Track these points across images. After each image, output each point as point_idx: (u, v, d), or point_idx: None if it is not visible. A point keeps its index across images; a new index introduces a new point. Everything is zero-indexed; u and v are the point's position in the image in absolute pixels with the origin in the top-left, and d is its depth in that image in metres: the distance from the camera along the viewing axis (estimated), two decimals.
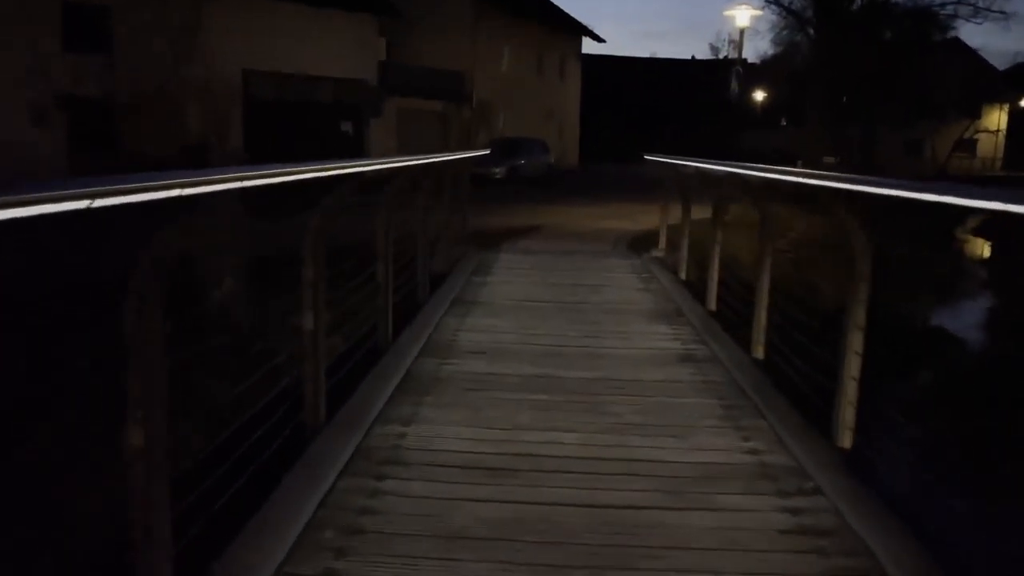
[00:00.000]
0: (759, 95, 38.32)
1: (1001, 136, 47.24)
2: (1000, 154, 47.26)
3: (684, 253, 8.41)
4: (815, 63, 33.56)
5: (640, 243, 11.67)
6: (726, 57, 59.78)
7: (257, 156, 22.50)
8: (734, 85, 24.55)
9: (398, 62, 26.88)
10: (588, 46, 38.87)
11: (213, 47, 21.62)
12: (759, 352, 5.31)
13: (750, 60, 43.50)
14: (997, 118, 47.08)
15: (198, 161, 21.65)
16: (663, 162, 9.77)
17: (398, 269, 6.34)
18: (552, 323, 6.21)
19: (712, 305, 6.87)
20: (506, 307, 6.73)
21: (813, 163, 27.06)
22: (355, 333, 5.52)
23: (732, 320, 6.38)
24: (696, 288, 7.63)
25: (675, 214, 10.76)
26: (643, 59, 52.70)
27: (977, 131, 43.69)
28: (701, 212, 9.15)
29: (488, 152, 24.19)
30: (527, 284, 7.83)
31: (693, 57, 58.69)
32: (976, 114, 44.69)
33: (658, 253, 10.01)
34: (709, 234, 7.77)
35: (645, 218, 16.43)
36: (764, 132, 42.92)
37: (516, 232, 12.75)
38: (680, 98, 45.92)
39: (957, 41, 42.35)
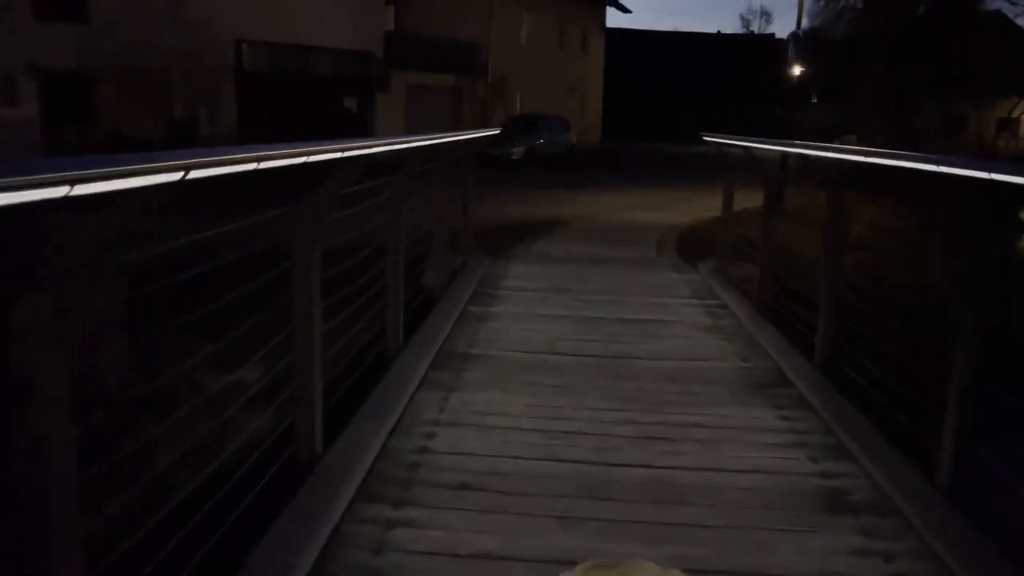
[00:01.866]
0: (796, 70, 35.41)
1: None
2: None
3: (763, 271, 6.02)
4: (868, 32, 30.75)
5: (689, 244, 9.29)
6: (754, 31, 56.55)
7: (251, 135, 20.26)
8: (791, 54, 21.85)
9: (407, 32, 24.37)
10: (612, 18, 36.18)
11: (201, 14, 19.26)
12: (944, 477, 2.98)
13: (778, 36, 40.53)
14: None
15: (185, 140, 19.46)
16: (731, 144, 7.36)
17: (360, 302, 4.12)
18: (588, 401, 3.91)
19: (821, 358, 4.51)
20: (515, 369, 4.44)
21: (867, 141, 24.33)
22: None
23: (860, 388, 4.03)
24: (787, 323, 5.28)
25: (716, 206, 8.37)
26: (669, 33, 49.68)
27: None
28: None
29: (501, 131, 21.71)
30: (547, 319, 5.51)
31: (719, 32, 55.57)
32: (1021, 91, 41.49)
33: (718, 264, 7.62)
34: (793, 238, 5.46)
35: (685, 208, 14.00)
36: (797, 110, 40.06)
37: (533, 228, 10.40)
38: (709, 74, 43.00)
39: (1000, 15, 39.24)
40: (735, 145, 7.24)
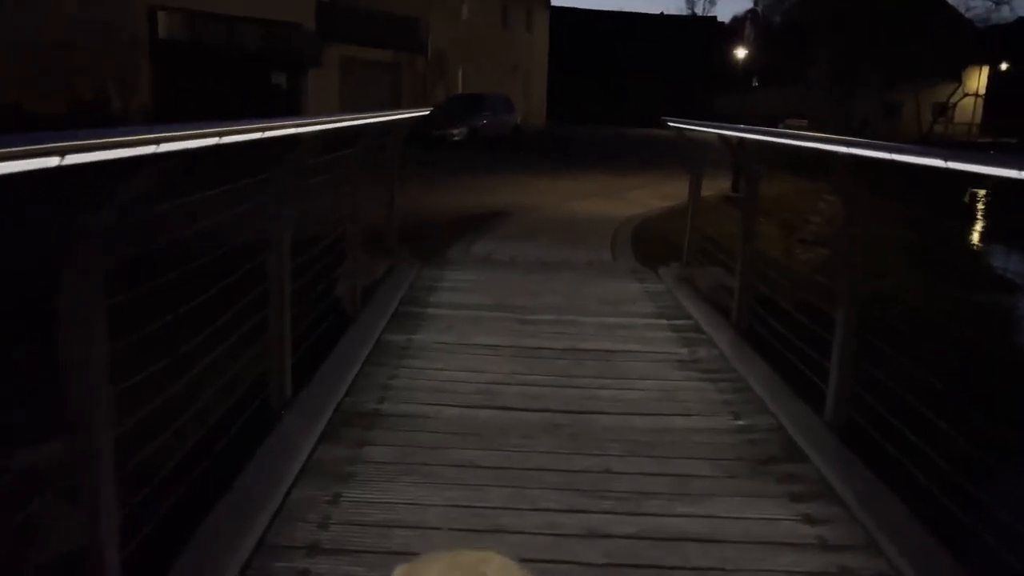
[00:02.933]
0: (741, 52, 34.75)
1: (980, 101, 44.43)
2: (978, 120, 44.46)
3: (743, 283, 4.93)
4: (815, 16, 30.14)
5: (646, 243, 8.21)
6: (697, 13, 56.00)
7: (168, 113, 18.43)
8: (749, 32, 20.93)
9: (341, 4, 22.70)
10: None
11: None
12: None
13: (720, 19, 39.93)
14: (977, 81, 44.21)
15: (94, 118, 17.55)
16: (698, 130, 6.29)
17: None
18: (537, 499, 2.76)
19: (835, 413, 3.44)
20: (435, 438, 3.24)
21: (819, 126, 23.71)
22: None
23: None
24: (774, 353, 4.21)
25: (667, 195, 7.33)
26: (613, 12, 48.63)
27: (965, 94, 40.71)
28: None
29: (442, 110, 20.36)
30: (484, 352, 4.32)
31: (663, 13, 54.83)
32: (958, 77, 41.76)
33: (682, 270, 6.53)
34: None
35: (636, 197, 12.94)
36: (739, 95, 39.58)
37: (474, 222, 9.18)
38: (654, 56, 42.15)
39: (942, 1, 39.28)
40: (705, 131, 6.14)
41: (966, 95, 41.18)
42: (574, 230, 8.99)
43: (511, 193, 12.58)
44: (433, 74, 25.12)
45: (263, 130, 2.73)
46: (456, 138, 20.22)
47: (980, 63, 43.46)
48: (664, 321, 5.16)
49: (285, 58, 21.19)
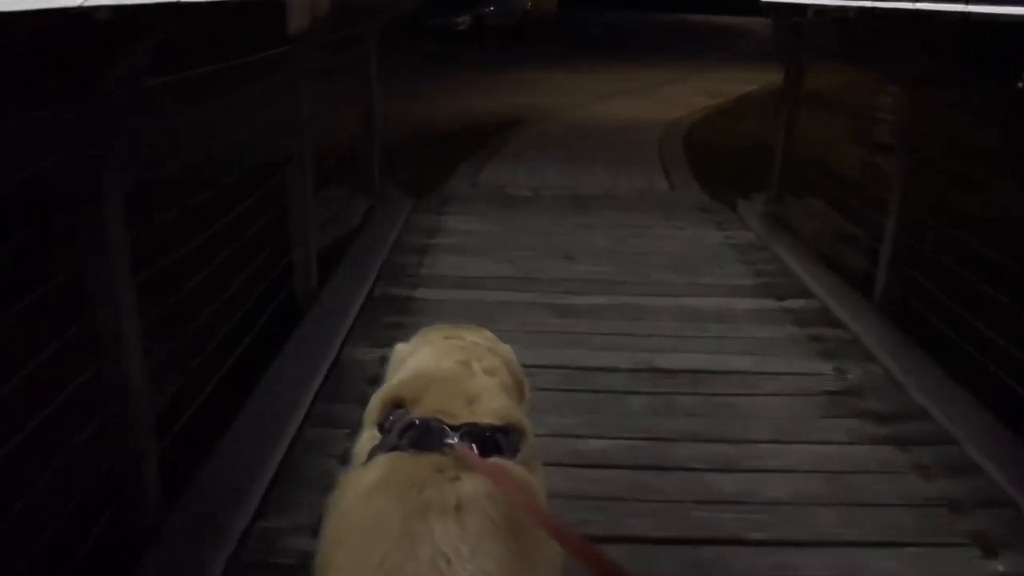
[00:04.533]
0: None
1: None
2: None
3: (893, 244, 3.10)
4: None
5: (703, 153, 6.31)
6: None
7: None
8: None
9: None
10: None
11: None
12: None
13: None
14: None
15: None
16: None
17: None
18: None
19: None
20: None
21: None
22: None
23: None
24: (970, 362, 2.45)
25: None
26: None
27: None
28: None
29: None
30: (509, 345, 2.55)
31: None
32: None
33: (773, 205, 4.66)
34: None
35: (670, 95, 10.81)
36: None
37: (481, 132, 7.24)
38: None
39: None
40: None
41: None
42: (608, 141, 7.05)
43: (525, 93, 10.49)
44: None
45: None
46: (461, 28, 17.72)
47: None
48: (774, 303, 3.36)
49: None
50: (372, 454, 0.91)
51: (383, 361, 1.32)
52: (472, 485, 0.81)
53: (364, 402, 1.08)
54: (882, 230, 3.23)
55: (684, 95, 10.70)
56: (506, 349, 1.21)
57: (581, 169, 5.76)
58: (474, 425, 0.91)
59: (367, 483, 0.86)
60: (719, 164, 6.05)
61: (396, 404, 0.98)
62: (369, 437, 0.96)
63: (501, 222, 4.38)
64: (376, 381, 1.39)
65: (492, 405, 0.97)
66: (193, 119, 2.21)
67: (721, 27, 24.57)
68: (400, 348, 1.23)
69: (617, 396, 2.51)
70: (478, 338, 1.18)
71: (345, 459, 1.09)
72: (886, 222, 3.21)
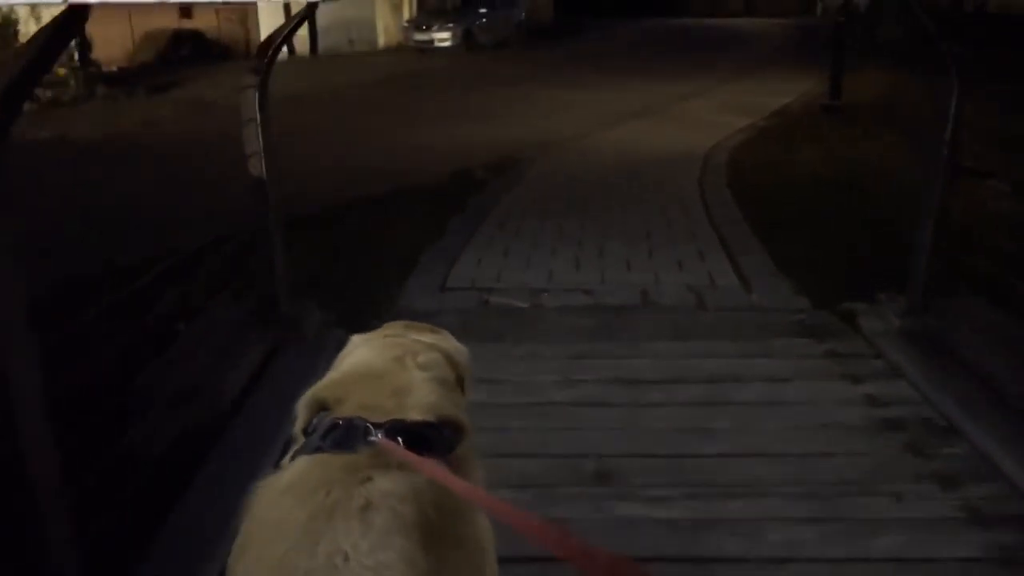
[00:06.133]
0: None
1: None
2: None
3: None
4: None
5: (758, 203, 4.45)
6: None
7: None
8: None
9: None
10: None
11: None
12: None
13: None
14: None
15: None
16: None
17: None
18: None
19: None
20: None
21: None
22: None
23: None
24: None
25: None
26: None
27: None
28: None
29: (424, 8, 16.13)
30: None
31: None
32: None
33: (912, 314, 2.80)
34: None
35: (699, 112, 8.97)
36: None
37: (460, 180, 5.42)
38: None
39: None
40: None
41: None
42: (633, 193, 5.20)
43: (522, 118, 8.67)
44: None
45: None
46: (444, 43, 15.85)
47: None
48: None
49: None
50: (294, 458, 0.86)
51: None
52: (387, 483, 0.78)
53: None
54: None
55: (709, 113, 8.88)
56: (453, 345, 1.13)
57: (602, 250, 3.91)
58: (399, 421, 0.87)
59: (278, 487, 0.83)
60: (794, 224, 4.22)
61: (321, 406, 0.93)
62: (298, 444, 0.91)
63: (481, 378, 2.56)
64: None
65: (423, 400, 0.92)
66: None
67: (719, 30, 22.76)
68: (343, 352, 1.14)
69: None
70: (425, 336, 1.11)
71: None
72: None
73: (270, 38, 2.67)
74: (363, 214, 4.45)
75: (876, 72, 10.69)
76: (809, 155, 6.19)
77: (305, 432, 0.90)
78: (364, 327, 1.24)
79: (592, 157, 6.59)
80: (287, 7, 10.73)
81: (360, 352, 1.09)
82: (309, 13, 2.67)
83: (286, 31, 2.70)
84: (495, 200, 4.94)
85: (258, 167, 2.78)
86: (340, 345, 1.21)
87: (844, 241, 3.92)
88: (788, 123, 8.06)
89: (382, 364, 1.01)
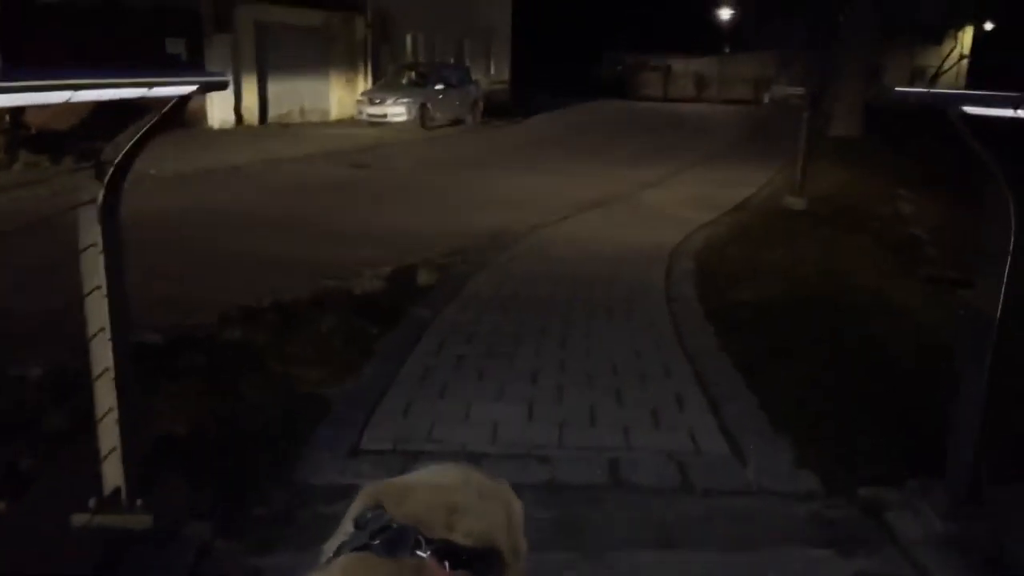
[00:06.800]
0: (726, 14, 30.19)
1: (964, 65, 40.54)
2: (962, 83, 40.56)
3: None
4: None
5: (741, 328, 3.80)
6: None
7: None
8: None
9: None
10: None
11: None
12: None
13: None
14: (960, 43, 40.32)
15: None
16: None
17: None
18: None
19: None
20: None
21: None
22: None
23: None
24: None
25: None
26: None
27: (962, 56, 36.67)
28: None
29: (383, 82, 15.80)
30: None
31: None
32: (939, 39, 37.81)
33: (953, 518, 2.14)
34: None
35: (660, 204, 8.50)
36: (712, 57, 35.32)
37: (394, 293, 4.66)
38: (631, 18, 37.33)
39: None
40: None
41: (963, 57, 37.08)
42: (595, 307, 4.53)
43: (470, 207, 8.06)
44: (376, 39, 20.19)
45: None
46: (397, 119, 15.38)
47: (965, 24, 39.61)
48: None
49: (183, 20, 16.20)
50: (339, 551, 0.82)
51: None
52: None
53: None
54: None
55: (670, 205, 8.42)
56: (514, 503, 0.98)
57: (560, 392, 3.20)
58: (450, 543, 0.82)
59: None
60: (777, 353, 3.59)
61: (378, 504, 0.88)
62: (343, 532, 0.86)
63: None
64: None
65: (474, 526, 0.87)
66: None
67: (672, 114, 23.02)
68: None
69: None
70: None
71: None
72: None
73: (116, 142, 1.96)
74: (267, 328, 3.67)
75: (830, 167, 10.54)
76: (781, 260, 5.67)
77: (356, 524, 0.85)
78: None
79: (553, 253, 5.96)
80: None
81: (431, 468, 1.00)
82: (177, 110, 1.94)
83: (143, 130, 1.99)
84: (435, 313, 4.21)
85: (99, 309, 2.02)
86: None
87: (838, 378, 3.29)
88: (754, 219, 7.63)
89: (449, 481, 0.94)
